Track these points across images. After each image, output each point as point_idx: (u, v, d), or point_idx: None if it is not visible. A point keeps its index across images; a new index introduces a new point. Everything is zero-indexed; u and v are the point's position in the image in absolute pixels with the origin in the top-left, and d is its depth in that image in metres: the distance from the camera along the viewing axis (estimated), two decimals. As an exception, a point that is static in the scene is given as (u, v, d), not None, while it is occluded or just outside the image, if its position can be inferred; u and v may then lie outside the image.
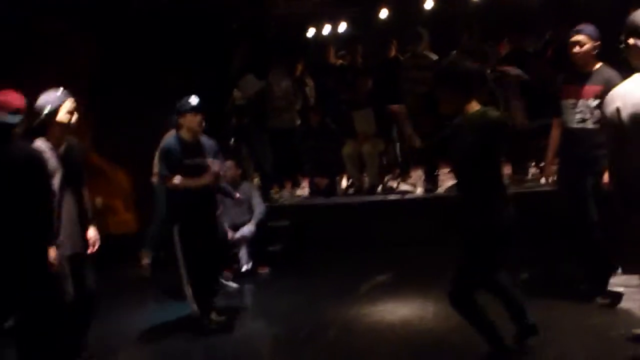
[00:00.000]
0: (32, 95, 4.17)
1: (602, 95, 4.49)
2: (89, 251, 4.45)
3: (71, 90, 4.35)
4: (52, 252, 4.01)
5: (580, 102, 4.69)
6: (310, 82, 9.03)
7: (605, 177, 4.37)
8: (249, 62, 8.60)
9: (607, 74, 4.60)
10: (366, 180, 7.93)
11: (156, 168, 7.17)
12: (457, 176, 3.99)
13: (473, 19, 9.04)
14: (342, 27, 10.46)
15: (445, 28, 9.21)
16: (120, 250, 6.22)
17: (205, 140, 5.42)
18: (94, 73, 7.48)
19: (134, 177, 7.86)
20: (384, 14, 9.85)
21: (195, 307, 5.33)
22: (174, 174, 5.20)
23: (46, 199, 3.97)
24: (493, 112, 3.67)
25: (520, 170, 7.26)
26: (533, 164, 7.49)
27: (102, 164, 7.51)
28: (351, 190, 8.14)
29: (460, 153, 3.70)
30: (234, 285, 6.44)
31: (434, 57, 8.06)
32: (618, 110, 2.79)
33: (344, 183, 8.28)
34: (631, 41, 2.91)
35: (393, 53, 8.60)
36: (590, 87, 4.65)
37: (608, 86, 4.47)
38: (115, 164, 7.84)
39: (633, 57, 2.96)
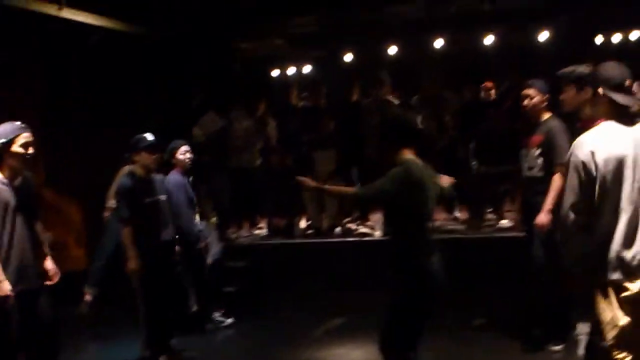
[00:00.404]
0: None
1: (541, 145, 4.70)
2: (48, 283, 4.34)
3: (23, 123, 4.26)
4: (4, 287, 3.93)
5: (529, 151, 4.86)
6: (272, 122, 9.02)
7: (541, 218, 4.52)
8: (210, 99, 8.57)
9: (550, 124, 4.82)
10: (325, 221, 7.89)
11: (109, 202, 7.09)
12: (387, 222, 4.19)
13: (435, 66, 9.24)
14: (307, 68, 10.53)
15: (408, 74, 9.37)
16: (70, 287, 6.02)
17: (156, 177, 5.44)
18: (45, 107, 7.34)
19: (85, 212, 7.70)
20: (348, 57, 9.96)
21: (147, 350, 5.24)
22: (134, 215, 5.17)
23: None
24: (416, 167, 3.77)
25: (477, 216, 7.31)
26: (490, 210, 7.55)
27: (54, 199, 7.34)
28: (310, 231, 8.09)
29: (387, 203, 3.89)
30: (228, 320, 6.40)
31: (396, 101, 8.16)
32: (592, 153, 2.89)
33: (303, 224, 8.23)
34: (600, 91, 3.00)
35: (356, 97, 8.67)
36: (535, 137, 4.84)
37: (548, 136, 4.72)
38: (67, 198, 7.66)
39: (599, 106, 3.04)
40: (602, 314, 2.97)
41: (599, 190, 2.91)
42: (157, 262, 5.22)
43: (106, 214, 7.07)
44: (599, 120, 3.03)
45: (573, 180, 2.96)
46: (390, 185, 3.69)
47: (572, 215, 2.97)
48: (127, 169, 5.60)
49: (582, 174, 2.92)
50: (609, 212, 2.93)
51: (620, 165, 2.91)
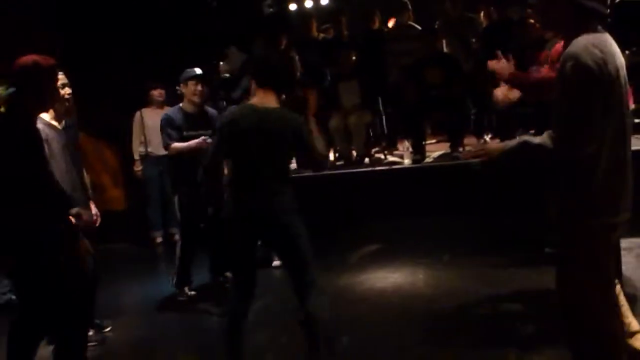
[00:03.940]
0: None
1: (554, 60, 4.58)
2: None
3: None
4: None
5: (540, 67, 4.77)
6: (294, 56, 8.94)
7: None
8: (228, 35, 8.51)
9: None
10: (353, 152, 7.90)
11: (135, 155, 7.24)
12: None
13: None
14: (324, 0, 10.38)
15: (429, -2, 9.17)
16: (109, 226, 6.21)
17: (210, 112, 5.47)
18: (70, 51, 7.31)
19: (120, 155, 7.80)
20: (366, -15, 9.77)
21: (175, 279, 5.46)
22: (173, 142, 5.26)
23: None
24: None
25: (507, 139, 7.23)
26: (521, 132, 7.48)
27: (88, 142, 7.42)
28: (339, 163, 8.10)
29: None
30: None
31: (418, 27, 8.03)
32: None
33: (331, 156, 8.24)
34: None
35: (377, 24, 8.54)
36: (546, 52, 4.75)
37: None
38: (102, 141, 7.75)
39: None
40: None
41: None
42: (194, 198, 5.28)
43: (136, 168, 7.26)
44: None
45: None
46: None
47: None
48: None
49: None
50: None
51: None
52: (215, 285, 5.62)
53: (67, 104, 4.38)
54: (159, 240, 7.33)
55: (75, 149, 4.49)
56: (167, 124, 5.31)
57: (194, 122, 5.29)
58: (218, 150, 3.73)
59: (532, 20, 4.73)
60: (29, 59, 3.58)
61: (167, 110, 5.67)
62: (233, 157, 3.70)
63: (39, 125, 4.10)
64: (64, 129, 4.36)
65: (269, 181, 3.57)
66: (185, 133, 5.25)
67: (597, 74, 2.47)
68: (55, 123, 4.30)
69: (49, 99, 3.72)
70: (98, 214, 4.64)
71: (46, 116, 4.27)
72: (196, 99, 5.30)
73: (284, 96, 3.88)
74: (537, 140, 2.59)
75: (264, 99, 3.60)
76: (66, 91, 4.32)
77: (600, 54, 2.49)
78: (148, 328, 5.05)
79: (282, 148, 3.60)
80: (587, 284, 2.58)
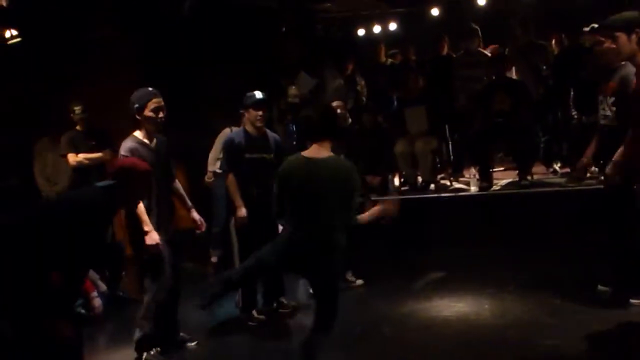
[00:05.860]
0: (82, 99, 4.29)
1: (616, 93, 4.43)
2: (198, 231, 4.96)
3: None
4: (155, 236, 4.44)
5: (605, 98, 4.68)
6: (361, 81, 9.03)
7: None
8: (299, 61, 8.66)
9: (624, 70, 4.51)
10: (419, 178, 7.86)
11: (210, 167, 7.33)
12: None
13: (527, 15, 8.92)
14: (393, 26, 10.43)
15: (498, 24, 9.11)
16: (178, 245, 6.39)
17: (271, 135, 5.57)
18: (142, 72, 7.59)
19: (188, 175, 7.98)
20: (435, 11, 9.79)
21: (240, 302, 5.48)
22: (234, 167, 5.38)
23: None
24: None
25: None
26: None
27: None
28: (404, 188, 8.07)
29: None
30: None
31: (488, 54, 7.98)
32: None
33: (397, 181, 8.22)
34: None
35: (445, 50, 8.53)
36: (610, 84, 4.62)
37: (622, 83, 4.42)
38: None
39: None
40: None
41: None
42: (252, 218, 5.34)
43: (208, 178, 7.35)
44: None
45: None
46: None
47: None
48: (227, 131, 5.80)
49: None
50: None
51: None
52: (276, 310, 5.63)
53: (159, 127, 4.63)
54: (215, 260, 7.38)
55: (167, 162, 4.78)
56: (227, 149, 5.51)
57: (255, 144, 5.41)
58: (280, 199, 3.89)
59: (599, 49, 4.57)
60: (129, 160, 4.01)
61: (233, 131, 5.84)
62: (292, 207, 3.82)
63: (132, 143, 4.46)
64: (155, 146, 4.63)
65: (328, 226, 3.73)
66: (247, 155, 5.37)
67: None
68: (147, 141, 4.58)
69: (136, 198, 3.98)
70: (202, 220, 4.95)
71: (139, 134, 4.57)
72: (258, 123, 5.42)
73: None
74: None
75: (317, 151, 3.80)
76: (159, 115, 4.54)
77: None
78: (220, 352, 5.06)
79: (334, 197, 3.71)
80: None
